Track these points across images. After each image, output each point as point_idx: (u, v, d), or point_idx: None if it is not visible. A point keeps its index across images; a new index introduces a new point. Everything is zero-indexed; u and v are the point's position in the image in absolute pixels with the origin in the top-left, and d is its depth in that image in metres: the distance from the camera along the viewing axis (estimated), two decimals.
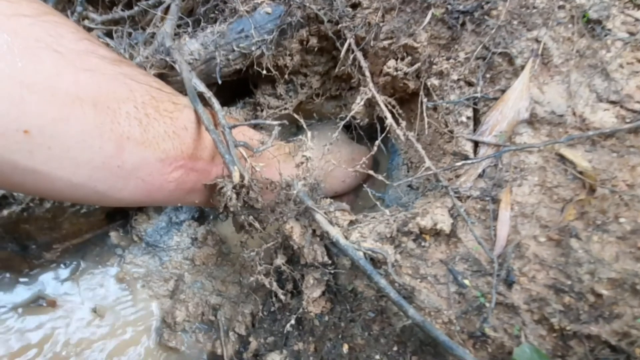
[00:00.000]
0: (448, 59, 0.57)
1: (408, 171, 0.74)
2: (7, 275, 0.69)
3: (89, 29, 0.83)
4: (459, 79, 0.56)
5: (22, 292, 0.68)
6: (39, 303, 0.67)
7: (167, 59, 0.65)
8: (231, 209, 0.57)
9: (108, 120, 0.43)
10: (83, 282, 0.70)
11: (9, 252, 0.68)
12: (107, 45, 0.71)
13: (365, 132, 0.78)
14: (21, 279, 0.69)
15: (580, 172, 0.48)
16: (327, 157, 0.63)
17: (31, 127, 0.38)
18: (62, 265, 0.71)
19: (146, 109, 0.48)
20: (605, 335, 0.43)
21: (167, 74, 0.68)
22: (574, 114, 0.50)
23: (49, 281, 0.69)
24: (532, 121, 0.52)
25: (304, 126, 0.61)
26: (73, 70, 0.41)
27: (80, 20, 0.81)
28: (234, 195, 0.57)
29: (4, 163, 0.38)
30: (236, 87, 0.84)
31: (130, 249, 0.73)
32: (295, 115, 0.68)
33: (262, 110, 0.81)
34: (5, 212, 0.65)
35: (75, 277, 0.70)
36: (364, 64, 0.62)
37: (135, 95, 0.47)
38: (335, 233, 0.49)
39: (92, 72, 0.43)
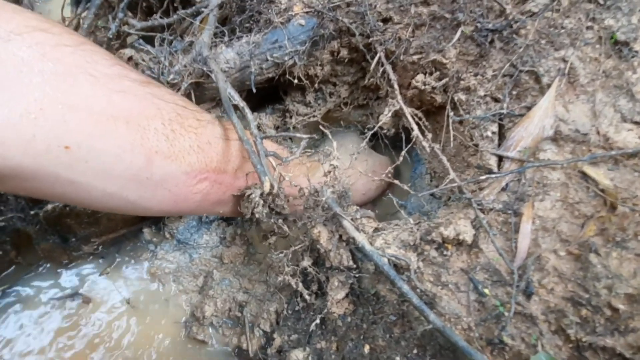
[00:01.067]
0: (475, 75, 0.59)
1: (431, 180, 0.76)
2: (48, 265, 0.74)
3: (128, 34, 0.88)
4: (485, 95, 0.58)
5: (61, 282, 0.73)
6: (75, 299, 0.71)
7: (204, 68, 0.68)
8: (257, 216, 0.61)
9: (138, 136, 0.48)
10: (117, 275, 0.74)
11: (51, 243, 0.72)
12: (148, 51, 0.76)
13: (390, 140, 0.80)
14: (60, 269, 0.74)
15: (602, 190, 0.50)
16: (352, 166, 0.65)
17: (71, 143, 0.43)
18: (99, 258, 0.75)
19: (172, 125, 0.53)
20: (620, 348, 0.44)
21: (203, 82, 0.72)
22: (598, 133, 0.52)
23: (86, 272, 0.74)
24: (557, 138, 0.54)
25: (329, 136, 0.64)
26: (107, 91, 0.46)
27: (120, 26, 0.85)
28: (261, 202, 0.60)
29: (48, 175, 0.43)
30: (266, 93, 0.87)
31: (162, 245, 0.76)
32: (322, 124, 0.71)
33: (290, 117, 0.84)
34: (49, 207, 0.70)
35: (111, 269, 0.74)
36: (392, 76, 0.64)
37: (163, 113, 0.52)
38: (361, 239, 0.52)
39: (124, 93, 0.48)
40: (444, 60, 0.59)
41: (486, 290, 0.50)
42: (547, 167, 0.53)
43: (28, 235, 0.71)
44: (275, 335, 0.64)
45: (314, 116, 0.81)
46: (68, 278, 0.72)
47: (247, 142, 0.56)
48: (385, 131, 0.71)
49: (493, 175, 0.54)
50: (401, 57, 0.63)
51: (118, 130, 0.46)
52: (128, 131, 0.47)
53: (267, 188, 0.54)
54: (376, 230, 0.58)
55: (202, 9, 0.77)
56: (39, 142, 0.41)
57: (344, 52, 0.71)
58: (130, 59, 0.78)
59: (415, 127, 0.62)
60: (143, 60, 0.71)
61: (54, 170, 0.43)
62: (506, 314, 0.48)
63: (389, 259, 0.52)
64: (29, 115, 0.39)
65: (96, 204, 0.51)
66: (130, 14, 0.88)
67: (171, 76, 0.67)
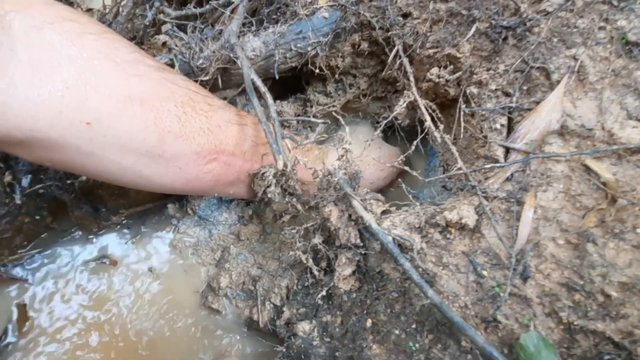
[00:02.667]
0: (488, 69, 0.61)
1: (444, 172, 0.79)
2: (80, 232, 0.80)
3: (163, 23, 0.93)
4: (496, 89, 0.61)
5: (90, 249, 0.79)
6: (103, 261, 0.77)
7: (231, 54, 0.73)
8: (269, 195, 0.65)
9: (152, 115, 0.53)
10: (142, 245, 0.79)
11: (83, 212, 0.78)
12: (181, 38, 0.81)
13: (406, 134, 0.83)
14: (90, 237, 0.80)
15: (604, 183, 0.52)
16: (362, 155, 0.69)
17: (92, 119, 0.48)
18: (125, 228, 0.81)
19: (185, 108, 0.57)
20: (610, 333, 0.46)
21: (230, 68, 0.76)
22: (603, 128, 0.54)
23: (113, 241, 0.79)
24: (563, 132, 0.56)
25: (343, 123, 0.67)
26: (125, 75, 0.52)
27: (156, 14, 0.91)
28: (274, 181, 0.64)
29: (71, 147, 0.49)
30: (289, 82, 0.91)
31: (184, 220, 0.81)
32: (337, 113, 0.75)
33: (311, 106, 0.88)
34: (84, 178, 0.76)
35: (136, 240, 0.79)
36: (409, 69, 0.67)
37: (176, 96, 0.57)
38: (368, 218, 0.55)
39: (141, 77, 0.53)
40: (458, 55, 0.62)
41: (485, 272, 0.52)
42: (551, 160, 0.55)
43: (63, 203, 0.77)
44: (284, 309, 0.68)
45: (333, 106, 0.85)
46: (97, 244, 0.78)
47: (265, 123, 0.60)
48: (399, 122, 0.74)
49: (498, 165, 0.56)
50: (418, 51, 0.66)
51: (134, 109, 0.51)
52: (143, 111, 0.52)
53: (280, 166, 0.57)
54: (384, 212, 0.61)
55: (233, 0, 0.82)
56: (64, 118, 0.46)
57: (364, 45, 0.74)
58: (164, 44, 0.83)
59: (428, 117, 0.65)
60: (176, 45, 0.76)
61: (76, 143, 0.49)
62: (502, 294, 0.50)
63: (394, 238, 0.55)
64: (57, 93, 0.45)
65: (113, 177, 0.56)
66: (166, 3, 0.94)
67: (200, 61, 0.72)
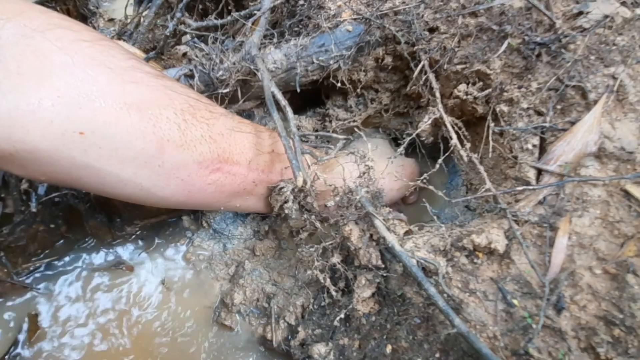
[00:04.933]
0: (520, 87, 0.59)
1: (467, 192, 0.76)
2: (94, 242, 0.78)
3: (184, 33, 0.93)
4: (528, 108, 0.58)
5: (103, 258, 0.77)
6: (119, 267, 0.75)
7: (252, 66, 0.72)
8: (286, 211, 0.63)
9: (150, 124, 0.51)
10: (155, 257, 0.78)
11: (98, 221, 0.77)
12: (201, 49, 0.80)
13: (427, 150, 0.81)
14: (104, 247, 0.79)
15: None
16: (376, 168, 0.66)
17: (85, 129, 0.46)
18: (139, 240, 0.79)
19: (184, 115, 0.54)
20: None
21: (250, 80, 0.75)
22: None
23: (127, 251, 0.78)
24: (600, 155, 0.53)
25: (364, 137, 0.65)
26: (121, 82, 0.49)
27: (177, 25, 0.90)
28: (292, 197, 0.62)
29: (65, 158, 0.46)
30: (308, 95, 0.90)
31: (198, 233, 0.80)
32: (358, 129, 0.73)
33: (330, 121, 0.86)
34: None
35: (150, 251, 0.78)
36: (435, 85, 0.65)
37: (175, 103, 0.54)
38: (391, 239, 0.53)
39: (137, 84, 0.51)
40: (488, 71, 0.59)
41: (515, 301, 0.49)
42: (587, 184, 0.52)
43: (78, 212, 0.76)
44: (299, 329, 0.65)
45: (354, 121, 0.83)
46: (111, 254, 0.77)
47: (285, 138, 0.58)
48: (423, 138, 0.72)
49: (530, 187, 0.54)
50: (445, 67, 0.64)
51: (130, 118, 0.49)
52: (140, 119, 0.50)
53: (300, 182, 0.55)
54: (407, 233, 0.59)
55: (255, 12, 0.81)
56: (55, 127, 0.44)
57: (388, 60, 0.73)
58: (184, 55, 0.83)
59: (454, 135, 0.63)
60: (196, 56, 0.75)
61: (70, 155, 0.46)
62: (534, 326, 0.47)
63: (417, 261, 0.52)
64: (48, 102, 0.43)
65: (113, 190, 0.54)
66: (187, 14, 0.94)
67: (220, 72, 0.71)
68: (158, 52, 0.89)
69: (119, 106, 0.48)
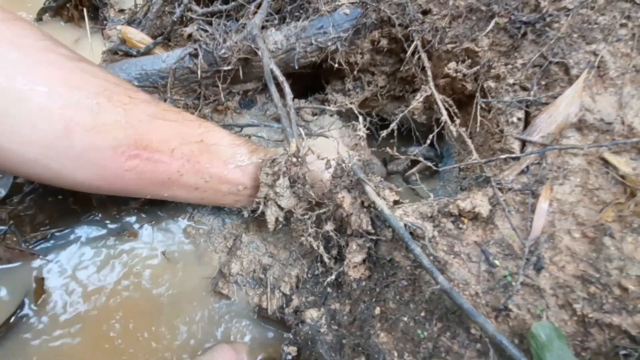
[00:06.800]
0: (506, 64, 0.61)
1: (459, 173, 0.78)
2: (100, 214, 0.82)
3: (190, 19, 0.97)
4: (514, 83, 0.61)
5: (108, 229, 0.80)
6: (123, 233, 0.78)
7: (252, 45, 0.75)
8: (277, 189, 0.64)
9: (57, 104, 0.50)
10: (158, 230, 0.81)
11: (104, 196, 0.80)
12: (205, 31, 0.84)
13: (422, 134, 0.83)
14: (108, 220, 0.82)
15: (622, 177, 0.51)
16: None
17: None
18: (143, 214, 0.82)
19: (98, 99, 0.54)
20: (626, 326, 0.45)
21: (251, 60, 0.78)
22: (623, 122, 0.53)
23: (131, 224, 0.81)
24: (581, 127, 0.55)
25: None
26: (31, 62, 0.49)
27: (184, 11, 0.94)
28: (284, 169, 0.64)
29: None
30: (308, 82, 0.93)
31: (199, 209, 0.83)
32: (355, 109, 0.75)
33: (328, 105, 0.89)
34: None
35: (152, 224, 0.81)
36: (427, 64, 0.68)
37: (89, 86, 0.54)
38: (380, 203, 0.56)
39: (48, 64, 0.51)
40: (477, 49, 0.62)
41: (497, 262, 0.52)
42: (568, 153, 0.54)
43: None
44: (293, 297, 0.68)
45: (351, 103, 0.86)
46: (116, 226, 0.80)
47: (281, 108, 0.61)
48: (416, 117, 0.74)
49: (513, 156, 0.56)
50: (436, 46, 0.67)
51: (37, 98, 0.49)
52: (48, 99, 0.50)
53: (293, 148, 0.58)
54: (396, 202, 0.61)
55: None
56: None
57: (383, 42, 0.76)
58: (189, 36, 0.86)
59: (444, 112, 0.66)
60: (201, 36, 0.79)
61: None
62: (514, 283, 0.49)
63: (405, 224, 0.55)
64: None
65: (19, 170, 0.53)
66: (193, 1, 0.98)
67: (222, 51, 0.74)
68: (165, 38, 0.92)
69: (26, 86, 0.48)
